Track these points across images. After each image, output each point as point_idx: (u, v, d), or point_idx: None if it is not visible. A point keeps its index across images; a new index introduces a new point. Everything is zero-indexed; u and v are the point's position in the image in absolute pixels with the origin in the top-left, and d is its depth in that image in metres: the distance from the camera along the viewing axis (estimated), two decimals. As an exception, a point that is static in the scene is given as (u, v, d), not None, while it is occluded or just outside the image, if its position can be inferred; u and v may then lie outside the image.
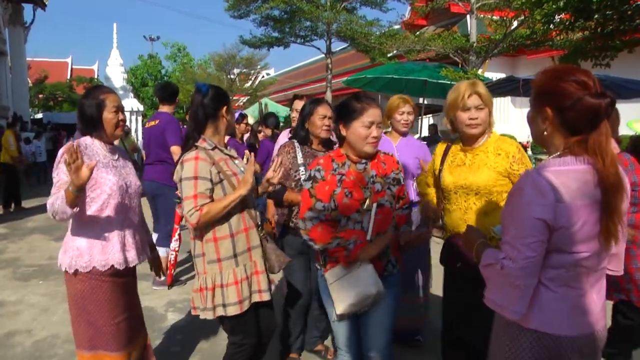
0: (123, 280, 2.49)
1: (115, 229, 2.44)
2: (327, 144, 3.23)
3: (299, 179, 3.06)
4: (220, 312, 2.41)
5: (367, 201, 2.30)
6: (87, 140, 2.46)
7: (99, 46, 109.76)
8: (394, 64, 10.73)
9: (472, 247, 1.81)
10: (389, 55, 13.35)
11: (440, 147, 2.71)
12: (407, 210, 2.50)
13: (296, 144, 3.17)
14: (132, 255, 2.51)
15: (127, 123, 14.29)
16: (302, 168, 3.08)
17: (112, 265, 2.42)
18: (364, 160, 2.40)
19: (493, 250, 1.66)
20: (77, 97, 28.31)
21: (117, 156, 2.55)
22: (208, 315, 2.42)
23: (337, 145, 2.54)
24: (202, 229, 2.42)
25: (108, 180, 2.41)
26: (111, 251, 2.43)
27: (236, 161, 2.56)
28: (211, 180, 2.37)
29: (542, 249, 1.51)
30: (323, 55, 16.54)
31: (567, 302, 1.55)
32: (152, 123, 4.84)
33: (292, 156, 3.12)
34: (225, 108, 2.51)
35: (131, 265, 2.52)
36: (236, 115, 5.68)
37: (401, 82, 9.37)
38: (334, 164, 2.40)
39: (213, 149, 2.46)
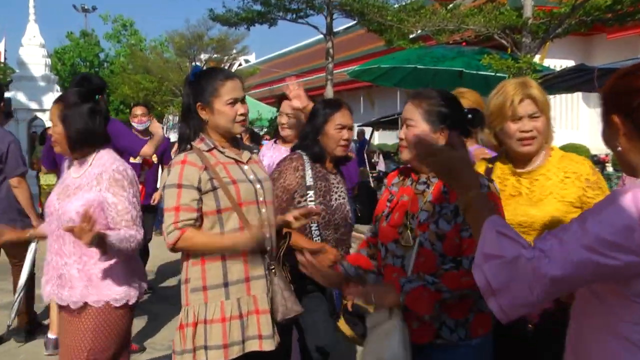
0: (62, 316, 2.91)
1: (48, 258, 2.94)
2: (340, 163, 3.38)
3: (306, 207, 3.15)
4: (201, 356, 2.57)
5: (407, 233, 2.37)
6: None
7: (7, 18, 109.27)
8: (418, 48, 10.75)
9: (456, 183, 1.74)
10: (411, 37, 13.37)
11: (479, 169, 2.71)
12: (453, 268, 2.28)
13: (305, 159, 3.27)
14: (47, 289, 2.91)
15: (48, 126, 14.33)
16: (310, 192, 3.20)
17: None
18: (423, 179, 2.44)
19: (505, 224, 1.61)
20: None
21: (80, 173, 2.89)
22: None
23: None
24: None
25: (49, 201, 2.87)
26: (42, 283, 2.96)
27: (245, 166, 2.76)
28: (199, 189, 2.59)
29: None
30: (322, 37, 16.61)
31: None
32: None
33: (300, 175, 3.22)
34: (199, 104, 2.70)
35: (44, 301, 2.92)
36: None
37: (428, 73, 9.39)
38: (395, 178, 2.58)
39: (210, 150, 2.68)
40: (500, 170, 2.64)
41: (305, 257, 2.52)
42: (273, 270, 2.72)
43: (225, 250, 2.61)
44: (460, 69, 8.89)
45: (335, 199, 3.29)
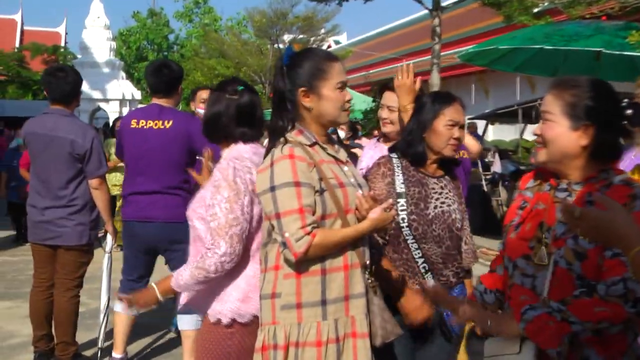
0: None
1: None
2: (448, 166, 3.38)
3: (397, 220, 3.16)
4: None
5: (541, 249, 2.33)
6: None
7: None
8: (545, 25, 10.48)
9: (616, 245, 1.75)
10: (535, 11, 13.08)
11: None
12: (584, 294, 2.21)
13: (395, 162, 3.33)
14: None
15: (112, 119, 14.79)
16: (401, 201, 3.22)
17: None
18: (564, 184, 2.39)
19: None
20: (32, 76, 29.39)
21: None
22: None
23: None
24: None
25: None
26: None
27: (345, 167, 2.81)
28: (314, 189, 2.62)
29: None
30: (426, 12, 16.49)
31: None
32: (155, 124, 4.86)
33: (388, 182, 3.27)
34: (302, 90, 2.71)
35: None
36: None
37: (557, 55, 9.17)
38: (531, 181, 2.55)
39: (312, 145, 2.70)
40: None
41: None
42: (373, 288, 2.75)
43: (352, 238, 2.67)
44: (599, 49, 8.58)
45: (435, 206, 3.27)
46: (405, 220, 3.19)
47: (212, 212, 2.82)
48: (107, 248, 5.24)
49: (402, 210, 3.19)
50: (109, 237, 5.22)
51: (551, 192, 2.41)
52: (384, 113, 4.00)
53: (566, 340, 2.16)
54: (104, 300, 5.24)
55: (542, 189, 2.47)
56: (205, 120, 3.11)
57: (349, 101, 2.76)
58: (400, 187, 3.24)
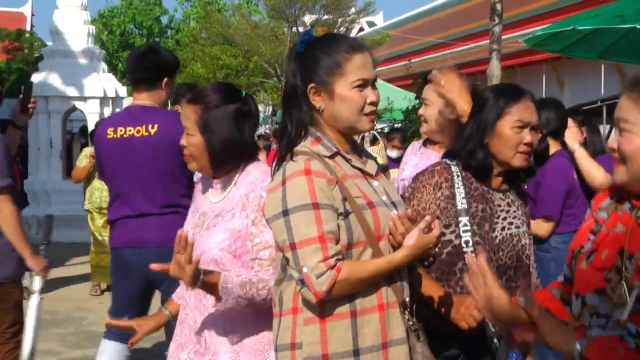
0: None
1: (182, 315, 3.32)
2: (514, 178, 3.44)
3: (454, 242, 3.24)
4: None
5: (621, 283, 2.31)
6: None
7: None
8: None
9: None
10: (625, -18, 13.04)
11: None
12: None
13: (455, 171, 3.33)
14: (182, 358, 3.21)
15: (91, 121, 14.93)
16: (464, 219, 3.25)
17: None
18: None
19: None
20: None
21: (222, 196, 3.19)
22: None
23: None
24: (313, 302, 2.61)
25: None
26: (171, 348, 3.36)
27: (375, 182, 2.80)
28: (337, 212, 2.61)
29: None
30: (484, -15, 16.49)
31: None
32: (137, 130, 4.81)
33: (443, 196, 3.28)
34: (312, 86, 2.71)
35: None
36: None
37: (654, 37, 9.09)
38: (606, 200, 2.57)
39: (333, 156, 2.70)
40: None
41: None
42: (415, 332, 2.73)
43: (385, 273, 2.65)
44: None
45: (503, 228, 3.28)
46: (470, 244, 3.19)
47: (262, 240, 2.94)
48: (35, 286, 4.96)
49: (465, 232, 3.19)
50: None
51: (633, 214, 2.40)
52: (427, 110, 4.01)
53: None
54: (27, 350, 4.98)
55: (619, 209, 2.46)
56: (228, 145, 3.11)
57: (373, 103, 2.73)
58: (461, 203, 3.24)
